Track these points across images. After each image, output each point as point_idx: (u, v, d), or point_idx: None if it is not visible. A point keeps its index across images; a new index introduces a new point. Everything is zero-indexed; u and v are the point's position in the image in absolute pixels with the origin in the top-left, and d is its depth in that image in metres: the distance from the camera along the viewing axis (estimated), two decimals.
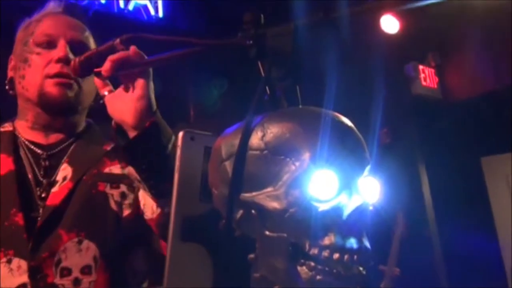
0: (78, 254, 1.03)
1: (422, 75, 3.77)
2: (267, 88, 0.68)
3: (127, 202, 1.10)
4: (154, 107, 1.00)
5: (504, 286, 4.03)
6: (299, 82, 0.71)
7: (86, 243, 1.04)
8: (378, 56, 3.28)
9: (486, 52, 3.71)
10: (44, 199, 1.07)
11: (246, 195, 0.63)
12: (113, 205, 1.09)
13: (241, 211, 0.64)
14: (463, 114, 3.73)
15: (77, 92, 1.14)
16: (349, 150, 0.62)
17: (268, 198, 0.61)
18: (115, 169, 1.14)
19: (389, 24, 3.62)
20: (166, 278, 0.81)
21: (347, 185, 0.62)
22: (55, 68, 1.13)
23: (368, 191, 0.65)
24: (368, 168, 0.65)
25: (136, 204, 1.10)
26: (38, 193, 1.08)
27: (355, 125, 0.69)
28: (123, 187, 1.11)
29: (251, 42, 0.69)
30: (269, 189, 0.62)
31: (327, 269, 0.60)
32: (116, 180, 1.11)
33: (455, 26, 3.72)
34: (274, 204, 0.61)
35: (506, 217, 4.14)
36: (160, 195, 0.96)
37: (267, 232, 0.62)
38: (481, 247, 3.94)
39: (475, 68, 3.77)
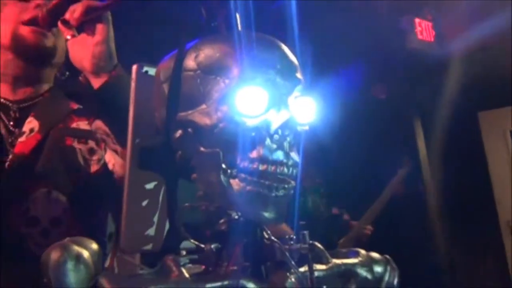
0: (47, 204, 1.02)
1: (418, 29, 3.71)
2: (203, 11, 0.70)
3: (95, 158, 1.09)
4: (115, 59, 1.02)
5: (499, 240, 4.09)
6: (238, 10, 0.73)
7: (55, 194, 1.03)
8: (372, 9, 3.24)
9: (485, 5, 3.63)
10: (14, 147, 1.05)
11: (182, 114, 0.67)
12: (80, 160, 1.08)
13: (180, 131, 0.68)
14: (460, 68, 3.70)
15: (53, 43, 1.13)
16: (278, 69, 0.65)
17: (200, 115, 0.65)
18: (83, 125, 1.12)
19: None
20: (125, 205, 0.85)
21: (275, 101, 0.65)
22: (31, 13, 1.10)
23: (302, 110, 0.68)
24: (299, 87, 0.68)
25: (104, 162, 1.10)
26: (10, 140, 1.06)
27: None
28: (91, 143, 1.10)
29: None
30: (203, 106, 0.65)
31: (255, 180, 0.63)
32: (83, 136, 1.10)
33: None
34: (206, 120, 0.64)
35: (502, 172, 4.16)
36: None
37: (202, 149, 0.66)
38: (477, 202, 3.99)
39: (472, 22, 3.70)
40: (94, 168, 1.09)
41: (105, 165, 1.10)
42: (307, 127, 0.70)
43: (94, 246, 0.62)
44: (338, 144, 2.90)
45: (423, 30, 3.76)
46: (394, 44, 3.56)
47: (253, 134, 0.63)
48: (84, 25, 1.01)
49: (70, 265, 0.57)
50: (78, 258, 0.58)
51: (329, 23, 3.08)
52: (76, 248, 0.59)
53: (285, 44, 0.70)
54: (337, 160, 3.14)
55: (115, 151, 1.11)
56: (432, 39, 3.83)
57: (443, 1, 3.71)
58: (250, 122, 0.63)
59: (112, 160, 1.10)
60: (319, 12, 2.86)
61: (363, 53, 3.38)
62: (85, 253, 0.60)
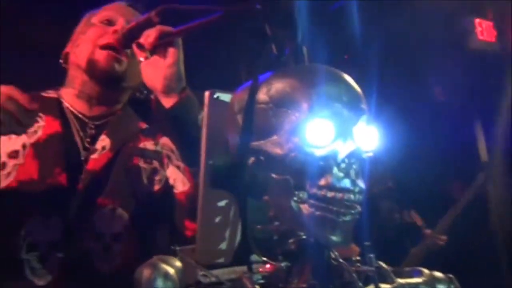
0: (111, 221, 1.08)
1: (478, 29, 3.60)
2: (273, 48, 0.75)
3: (157, 178, 1.16)
4: (184, 81, 1.09)
5: None
6: (305, 42, 0.78)
7: (119, 211, 1.09)
8: (431, 10, 3.19)
9: None
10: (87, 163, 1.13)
11: (255, 144, 0.73)
12: (144, 179, 1.15)
13: (252, 158, 0.74)
14: None
15: (125, 68, 1.21)
16: (344, 102, 0.70)
17: (273, 145, 0.70)
18: (149, 145, 1.20)
19: None
20: (199, 222, 0.92)
21: (342, 132, 0.69)
22: (108, 38, 1.19)
23: (365, 139, 0.72)
24: (363, 117, 0.72)
25: (165, 181, 1.16)
26: (84, 156, 1.14)
27: (361, 79, 0.76)
28: (155, 163, 1.17)
29: (259, 6, 0.76)
30: (274, 137, 0.71)
31: (324, 205, 0.68)
32: (149, 156, 1.17)
33: None
34: (277, 150, 0.70)
35: None
36: (193, 164, 1.04)
37: (273, 175, 0.72)
38: None
39: None
40: (156, 187, 1.16)
41: (166, 184, 1.16)
42: (371, 154, 0.74)
43: (178, 263, 0.70)
44: (404, 152, 2.86)
45: (483, 30, 3.65)
46: (454, 45, 3.48)
47: (322, 163, 0.68)
48: (157, 49, 1.08)
49: (159, 282, 0.65)
50: (166, 275, 0.66)
51: (389, 26, 3.06)
52: (164, 266, 0.67)
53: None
54: (404, 169, 3.10)
55: (178, 167, 1.19)
56: (494, 39, 3.71)
57: (505, 0, 3.58)
58: (319, 152, 0.68)
59: (173, 175, 1.17)
60: (376, 17, 2.86)
61: (423, 55, 3.33)
62: (171, 270, 0.67)
